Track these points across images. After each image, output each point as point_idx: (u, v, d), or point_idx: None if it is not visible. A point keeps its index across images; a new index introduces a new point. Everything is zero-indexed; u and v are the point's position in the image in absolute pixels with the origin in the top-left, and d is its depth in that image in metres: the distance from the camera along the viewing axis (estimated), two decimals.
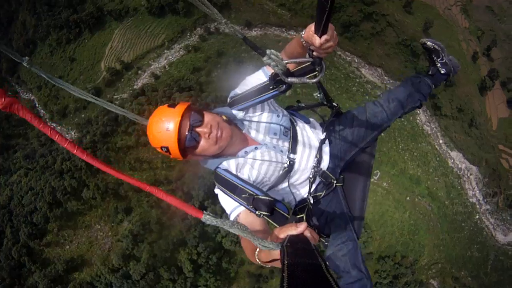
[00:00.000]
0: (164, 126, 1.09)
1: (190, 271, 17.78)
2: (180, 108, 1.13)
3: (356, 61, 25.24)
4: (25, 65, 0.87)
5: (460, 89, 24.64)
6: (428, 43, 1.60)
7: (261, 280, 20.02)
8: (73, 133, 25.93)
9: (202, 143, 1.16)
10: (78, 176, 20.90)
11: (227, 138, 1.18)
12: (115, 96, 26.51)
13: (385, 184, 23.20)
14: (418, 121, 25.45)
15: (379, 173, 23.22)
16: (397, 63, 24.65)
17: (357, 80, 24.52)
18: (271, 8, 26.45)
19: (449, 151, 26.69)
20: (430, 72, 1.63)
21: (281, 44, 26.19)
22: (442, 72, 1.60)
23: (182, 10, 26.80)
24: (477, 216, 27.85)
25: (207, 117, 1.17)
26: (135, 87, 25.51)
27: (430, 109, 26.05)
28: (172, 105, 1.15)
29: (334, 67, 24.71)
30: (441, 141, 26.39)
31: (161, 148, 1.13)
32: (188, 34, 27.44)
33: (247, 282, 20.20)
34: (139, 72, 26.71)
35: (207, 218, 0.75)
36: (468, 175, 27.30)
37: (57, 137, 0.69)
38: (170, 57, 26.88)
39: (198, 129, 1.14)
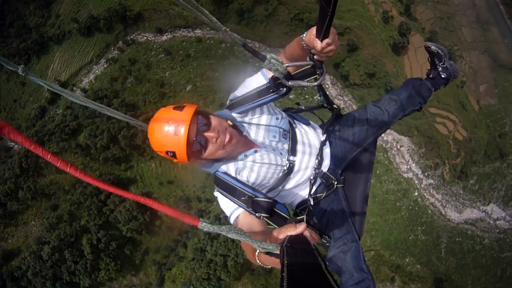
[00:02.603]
0: (172, 130, 1.13)
1: (89, 253, 21.93)
2: (189, 111, 1.18)
3: (257, 46, 27.34)
4: (20, 73, 0.92)
5: (365, 52, 24.36)
6: (432, 47, 1.77)
7: (163, 268, 23.26)
8: None
9: (210, 148, 1.23)
10: (17, 180, 26.93)
11: (235, 143, 1.28)
12: (57, 112, 32.79)
13: None
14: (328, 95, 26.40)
15: None
16: None
17: (256, 64, 26.65)
18: (177, 12, 30.38)
19: None
20: (431, 76, 1.78)
21: (185, 44, 29.90)
22: (443, 76, 1.76)
23: (104, 27, 32.28)
24: (416, 193, 26.82)
25: (214, 121, 1.25)
26: (70, 103, 31.42)
27: (340, 80, 26.67)
28: (179, 108, 1.20)
29: (232, 55, 27.47)
30: None
31: (167, 152, 1.17)
32: (112, 48, 32.70)
33: (153, 270, 23.62)
34: (74, 88, 32.53)
35: (203, 225, 0.81)
36: (398, 147, 26.65)
37: (49, 156, 0.74)
38: (97, 71, 32.29)
39: (205, 134, 1.22)
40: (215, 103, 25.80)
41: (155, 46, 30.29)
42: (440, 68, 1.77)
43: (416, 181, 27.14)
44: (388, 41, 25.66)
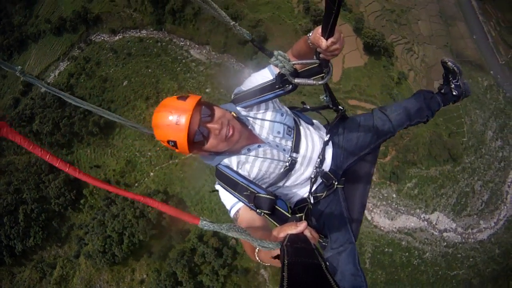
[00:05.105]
0: (174, 119, 1.32)
1: (22, 221, 29.89)
2: (192, 101, 1.36)
3: (188, 44, 33.79)
4: (18, 74, 1.08)
5: (273, 43, 28.10)
6: (449, 63, 2.02)
7: (82, 243, 30.15)
8: None
9: (212, 139, 1.42)
10: None
11: (238, 136, 1.47)
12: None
13: None
14: None
15: None
16: (220, 36, 31.41)
17: (183, 61, 32.86)
18: (127, 14, 38.41)
19: None
20: (442, 91, 2.05)
21: (129, 43, 37.52)
22: (454, 93, 2.03)
23: (69, 28, 41.89)
24: None
25: (218, 112, 1.45)
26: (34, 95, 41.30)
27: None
28: (182, 98, 1.39)
29: (164, 53, 34.18)
30: None
31: (168, 142, 1.36)
32: (76, 47, 42.10)
33: (75, 244, 30.69)
34: (43, 83, 42.61)
35: (204, 223, 0.93)
36: None
37: (48, 157, 0.84)
38: (61, 67, 41.80)
39: (208, 125, 1.41)
40: (143, 97, 32.67)
41: (107, 46, 38.60)
42: (453, 85, 2.03)
43: None
44: (302, 30, 29.54)
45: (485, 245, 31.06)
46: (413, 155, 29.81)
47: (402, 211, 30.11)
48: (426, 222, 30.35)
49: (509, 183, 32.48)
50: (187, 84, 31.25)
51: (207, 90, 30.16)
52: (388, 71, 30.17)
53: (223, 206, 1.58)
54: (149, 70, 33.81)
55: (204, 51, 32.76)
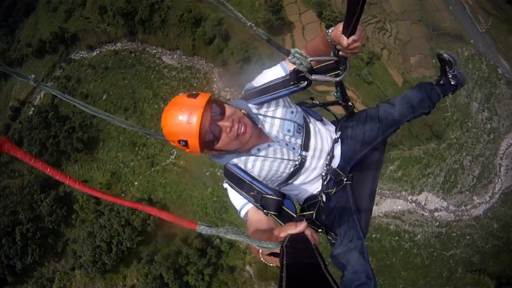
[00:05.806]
0: (185, 118, 1.35)
1: (19, 240, 32.36)
2: (202, 99, 1.41)
3: (160, 51, 35.41)
4: (31, 83, 1.21)
5: (235, 39, 29.29)
6: (445, 55, 2.21)
7: (77, 256, 32.37)
8: None
9: (223, 137, 1.45)
10: None
11: (249, 134, 1.51)
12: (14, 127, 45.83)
13: (182, 162, 31.70)
14: (214, 89, 32.31)
15: (175, 152, 32.01)
16: (188, 39, 32.70)
17: (156, 68, 34.48)
18: (101, 29, 40.54)
19: None
20: (441, 82, 2.24)
21: (106, 57, 39.56)
22: (452, 83, 2.22)
23: (49, 49, 44.50)
24: None
25: (229, 110, 1.48)
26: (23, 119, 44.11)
27: (227, 72, 31.59)
28: (193, 95, 1.43)
29: (138, 63, 35.99)
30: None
31: (179, 142, 1.40)
32: (57, 67, 44.70)
33: (71, 256, 32.94)
34: (30, 106, 45.44)
35: (201, 228, 0.98)
36: None
37: (48, 170, 0.88)
38: None
39: (219, 123, 1.44)
40: (122, 108, 34.60)
41: (85, 62, 40.88)
42: (451, 75, 2.22)
43: None
44: (262, 21, 29.54)
45: (481, 221, 30.99)
46: (391, 137, 30.15)
47: (386, 195, 30.39)
48: (414, 204, 30.45)
49: (501, 155, 32.36)
50: (161, 90, 32.93)
51: (180, 94, 31.58)
52: None
53: (233, 206, 1.65)
54: (126, 81, 35.73)
55: (175, 56, 34.38)
